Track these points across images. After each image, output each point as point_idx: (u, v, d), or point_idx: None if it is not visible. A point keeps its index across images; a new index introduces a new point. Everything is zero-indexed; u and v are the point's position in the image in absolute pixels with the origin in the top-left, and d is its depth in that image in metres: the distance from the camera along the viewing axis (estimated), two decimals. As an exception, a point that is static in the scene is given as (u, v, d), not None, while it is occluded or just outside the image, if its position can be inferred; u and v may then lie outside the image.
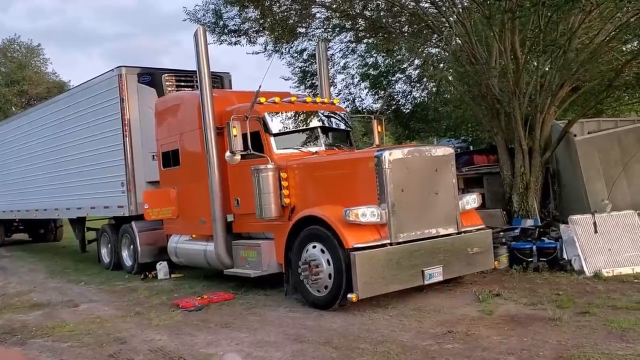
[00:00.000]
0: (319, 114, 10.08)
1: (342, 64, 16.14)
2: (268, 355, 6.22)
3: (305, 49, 15.14)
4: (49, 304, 10.10)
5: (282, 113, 9.72)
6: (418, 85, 16.37)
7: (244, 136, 9.10)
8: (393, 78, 16.84)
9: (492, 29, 11.03)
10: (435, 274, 8.09)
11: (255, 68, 63.64)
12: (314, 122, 9.96)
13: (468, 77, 11.94)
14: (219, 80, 13.79)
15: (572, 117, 13.15)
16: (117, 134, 13.01)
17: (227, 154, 9.25)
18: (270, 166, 9.05)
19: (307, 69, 15.64)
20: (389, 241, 7.79)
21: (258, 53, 14.57)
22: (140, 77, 13.03)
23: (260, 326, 7.44)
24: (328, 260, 7.90)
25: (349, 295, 7.45)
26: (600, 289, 8.16)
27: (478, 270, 8.92)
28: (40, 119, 16.98)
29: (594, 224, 9.48)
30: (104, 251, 14.42)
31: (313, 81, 15.57)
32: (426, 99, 16.89)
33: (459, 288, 8.75)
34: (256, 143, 9.31)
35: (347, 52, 15.57)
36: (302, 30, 13.80)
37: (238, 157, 9.16)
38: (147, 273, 12.20)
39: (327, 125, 10.10)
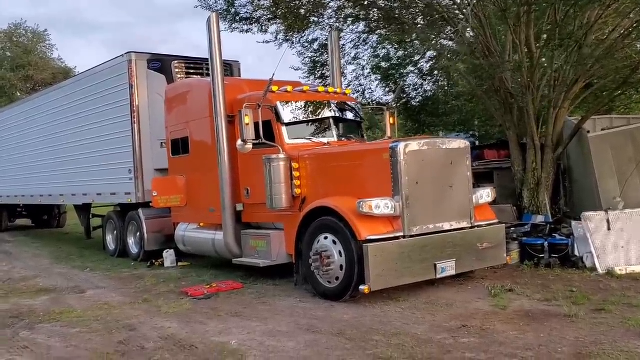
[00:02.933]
0: (331, 104, 9.98)
1: (353, 55, 16.03)
2: (281, 344, 6.15)
3: (316, 39, 15.02)
4: (55, 290, 10.04)
5: (294, 102, 9.61)
6: (429, 78, 16.23)
7: (256, 125, 9.01)
8: (404, 71, 16.69)
9: (507, 22, 10.90)
10: (448, 268, 8.00)
11: (257, 59, 63.29)
12: (326, 113, 9.85)
13: (482, 71, 11.81)
14: (229, 68, 13.65)
15: (582, 113, 13.07)
16: (125, 121, 12.91)
17: (239, 142, 9.17)
18: (282, 156, 8.95)
19: (317, 59, 15.53)
20: (402, 234, 7.70)
21: (268, 42, 14.46)
22: (150, 64, 12.92)
23: (271, 316, 7.37)
24: (340, 252, 7.81)
25: (361, 287, 7.37)
26: (614, 286, 8.08)
27: (490, 265, 8.83)
28: (46, 104, 16.87)
29: (608, 221, 9.37)
30: (110, 238, 14.37)
31: (323, 72, 15.46)
32: (437, 92, 16.75)
33: (470, 283, 8.68)
34: (267, 132, 9.21)
35: (358, 43, 15.45)
36: (315, 19, 13.64)
37: (249, 145, 9.07)
38: (154, 261, 12.16)
39: (339, 116, 9.98)
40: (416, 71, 17.02)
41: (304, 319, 7.15)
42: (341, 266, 7.78)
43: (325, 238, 8.03)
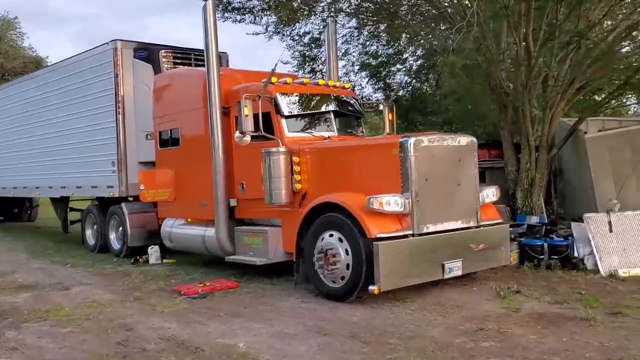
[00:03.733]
0: (332, 97, 9.68)
1: (343, 50, 15.69)
2: (292, 348, 5.82)
3: (308, 32, 14.67)
4: (37, 286, 9.52)
5: (294, 95, 9.28)
6: (418, 76, 16.00)
7: (255, 117, 8.66)
8: (393, 68, 16.46)
9: (507, 19, 10.73)
10: (455, 268, 7.75)
11: (233, 53, 62.33)
12: (327, 106, 9.55)
13: (478, 68, 11.65)
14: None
15: (574, 114, 13.01)
16: (109, 111, 12.42)
17: (237, 134, 8.81)
18: (282, 149, 8.62)
19: (307, 53, 15.17)
20: (410, 232, 7.44)
21: (258, 34, 14.08)
22: (137, 52, 12.44)
23: (274, 316, 7.03)
24: (346, 250, 7.49)
25: (370, 287, 7.07)
26: (621, 289, 7.96)
27: (495, 266, 8.61)
28: (20, 94, 16.21)
29: (609, 223, 9.28)
30: (89, 233, 13.81)
31: (313, 66, 15.14)
32: (425, 90, 16.56)
33: (473, 283, 8.46)
34: (266, 125, 8.85)
35: (349, 39, 15.16)
36: (307, 12, 13.30)
37: (248, 138, 8.72)
38: (138, 257, 11.67)
39: (339, 110, 9.68)
40: (404, 69, 16.81)
41: (310, 320, 6.83)
42: (347, 265, 7.47)
43: (331, 235, 7.71)
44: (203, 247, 10.25)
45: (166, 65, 12.49)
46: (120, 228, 12.50)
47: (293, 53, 15.14)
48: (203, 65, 12.28)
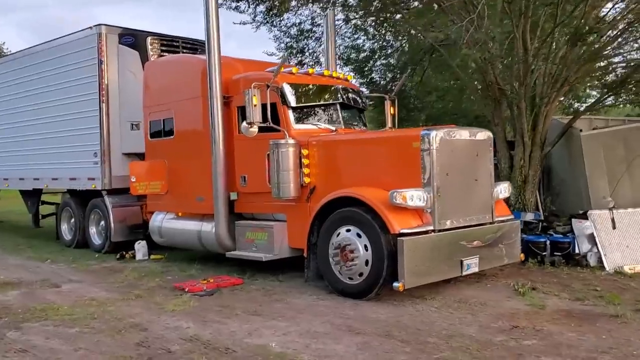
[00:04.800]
0: (338, 89, 9.40)
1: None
2: (329, 347, 5.52)
3: (299, 23, 14.27)
4: (22, 283, 8.96)
5: (301, 85, 8.97)
6: (402, 71, 15.82)
7: (262, 107, 8.31)
8: (378, 63, 16.26)
9: (510, 15, 10.64)
10: (473, 264, 7.60)
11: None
12: (334, 98, 9.26)
13: (477, 64, 11.54)
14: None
15: (559, 114, 13.07)
16: (92, 99, 11.81)
17: (244, 124, 8.42)
18: (291, 141, 8.29)
19: (294, 45, 14.77)
20: (432, 227, 7.24)
21: (245, 23, 13.64)
22: (122, 38, 11.86)
23: (295, 314, 6.72)
24: (365, 246, 7.23)
25: (395, 285, 6.82)
26: (634, 285, 7.96)
27: (509, 262, 8.46)
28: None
29: (612, 220, 9.32)
30: (65, 227, 13.17)
31: (300, 58, 14.76)
32: (410, 86, 16.41)
33: (486, 281, 8.34)
34: (271, 116, 8.50)
35: (337, 31, 14.83)
36: (301, 2, 12.96)
37: (255, 129, 8.35)
38: (124, 253, 11.13)
39: (345, 102, 9.40)
40: (388, 64, 16.63)
41: (336, 318, 6.54)
42: (366, 261, 7.21)
43: (348, 231, 7.43)
44: (198, 243, 9.83)
45: (152, 52, 11.99)
46: (102, 222, 11.95)
47: (279, 45, 14.77)
48: (190, 54, 12.00)
